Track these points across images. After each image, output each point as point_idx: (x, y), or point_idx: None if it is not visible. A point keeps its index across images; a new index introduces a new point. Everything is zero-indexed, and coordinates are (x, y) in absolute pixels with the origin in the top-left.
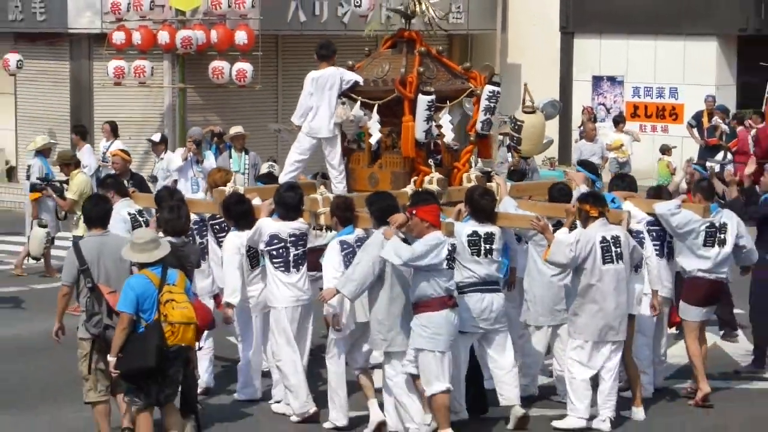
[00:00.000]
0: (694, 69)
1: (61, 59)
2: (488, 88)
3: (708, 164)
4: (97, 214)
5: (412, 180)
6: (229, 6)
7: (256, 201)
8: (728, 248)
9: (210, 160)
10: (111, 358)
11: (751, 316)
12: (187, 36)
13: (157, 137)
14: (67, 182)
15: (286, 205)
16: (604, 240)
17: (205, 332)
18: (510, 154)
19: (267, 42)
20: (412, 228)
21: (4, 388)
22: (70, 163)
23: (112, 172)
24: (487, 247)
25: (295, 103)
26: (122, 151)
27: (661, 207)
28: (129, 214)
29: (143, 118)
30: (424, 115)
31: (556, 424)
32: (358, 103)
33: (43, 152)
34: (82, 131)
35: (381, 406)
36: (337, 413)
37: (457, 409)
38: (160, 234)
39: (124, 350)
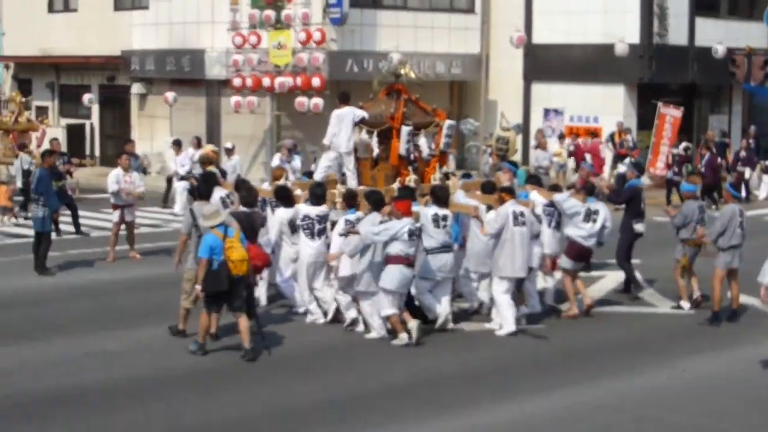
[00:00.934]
0: (609, 104)
1: (200, 96)
2: (447, 122)
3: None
4: (205, 191)
5: (398, 179)
6: (309, 62)
7: (298, 191)
8: (597, 226)
9: (296, 162)
10: (197, 286)
11: (617, 258)
12: (281, 81)
13: (230, 145)
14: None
15: (315, 195)
16: (514, 213)
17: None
18: (490, 157)
19: (332, 84)
20: (392, 214)
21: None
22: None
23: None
24: (444, 223)
25: None
26: (213, 151)
27: (558, 197)
28: (220, 197)
29: (252, 135)
30: (405, 138)
31: (497, 332)
32: (365, 130)
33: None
34: (178, 143)
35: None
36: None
37: (436, 314)
38: (241, 207)
39: (205, 280)
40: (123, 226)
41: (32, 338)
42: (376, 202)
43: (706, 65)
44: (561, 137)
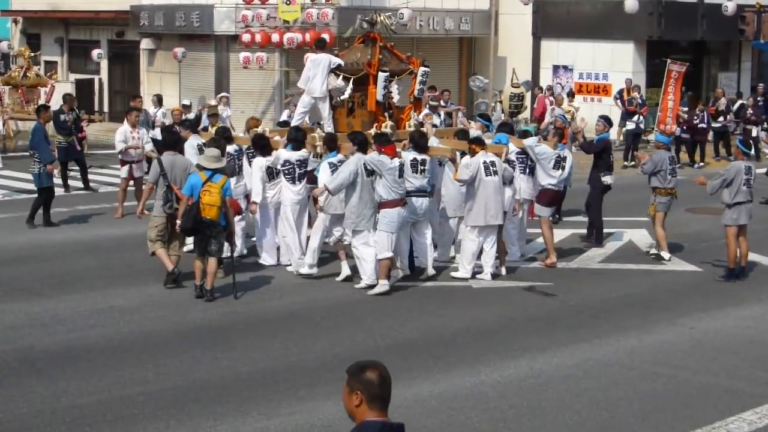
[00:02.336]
0: (618, 61)
1: (209, 51)
2: (421, 69)
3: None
4: (172, 142)
5: (374, 125)
6: (318, 18)
7: (276, 138)
8: (566, 173)
9: None
10: (178, 221)
11: (586, 207)
12: (290, 37)
13: (187, 102)
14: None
15: (295, 140)
16: (485, 162)
17: (238, 216)
18: (502, 113)
19: (341, 40)
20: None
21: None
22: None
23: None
24: (422, 168)
25: None
26: (182, 106)
27: (528, 141)
28: (197, 145)
29: (261, 89)
30: (381, 85)
31: (452, 274)
32: (341, 77)
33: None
34: (159, 98)
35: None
36: (308, 268)
37: (402, 265)
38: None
39: (182, 216)
40: (132, 182)
41: (41, 294)
42: (360, 143)
43: (716, 22)
44: (570, 94)
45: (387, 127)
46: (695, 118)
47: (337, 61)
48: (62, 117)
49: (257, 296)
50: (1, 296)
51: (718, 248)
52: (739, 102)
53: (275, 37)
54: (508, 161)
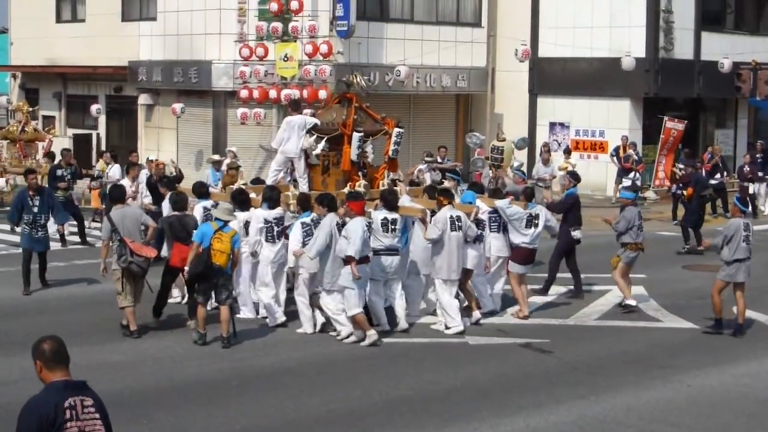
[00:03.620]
0: (614, 118)
1: (207, 107)
2: (396, 130)
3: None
4: (118, 196)
5: (348, 184)
6: (315, 74)
7: (252, 195)
8: (539, 229)
9: None
10: (186, 268)
11: (550, 260)
12: (288, 93)
13: (216, 157)
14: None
15: (270, 198)
16: (451, 218)
17: None
18: (490, 170)
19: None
20: (347, 214)
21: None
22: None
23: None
24: (392, 227)
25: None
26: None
27: (500, 203)
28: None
29: (258, 146)
30: (356, 144)
31: (446, 331)
32: (315, 136)
33: (214, 164)
34: (113, 154)
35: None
36: (307, 325)
37: (381, 322)
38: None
39: (191, 263)
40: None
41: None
42: (329, 204)
43: (712, 79)
44: (567, 151)
45: (361, 186)
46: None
47: (313, 121)
48: (59, 172)
49: (252, 352)
50: None
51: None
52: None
53: (273, 94)
54: (477, 221)
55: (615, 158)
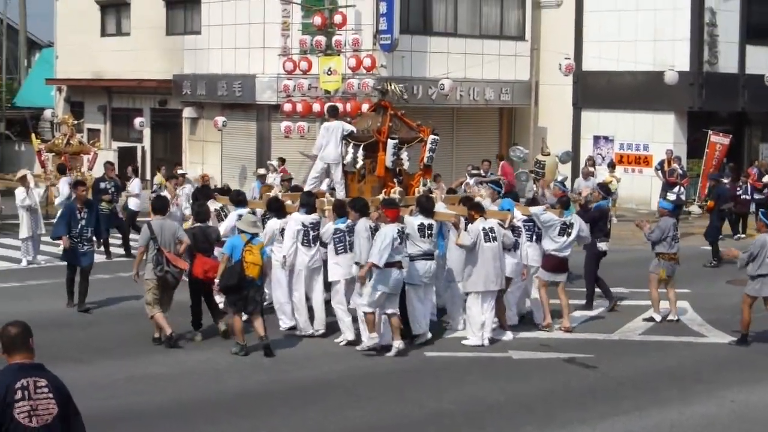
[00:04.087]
0: (658, 132)
1: (250, 120)
2: (431, 137)
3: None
4: (160, 207)
5: (383, 191)
6: (358, 87)
7: (288, 202)
8: (572, 238)
9: None
10: (217, 280)
11: (585, 275)
12: (331, 106)
13: (263, 171)
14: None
15: (307, 204)
16: (484, 229)
17: None
18: (534, 184)
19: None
20: (380, 219)
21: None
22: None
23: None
24: (429, 232)
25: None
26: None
27: (535, 209)
28: (215, 209)
29: (302, 159)
30: (391, 151)
31: (463, 342)
32: (352, 144)
33: (259, 178)
34: (134, 167)
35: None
36: (347, 332)
37: (422, 330)
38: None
39: (222, 275)
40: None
41: (78, 360)
42: (361, 209)
43: (757, 93)
44: (611, 165)
45: (396, 193)
46: (738, 189)
47: (350, 127)
48: (102, 185)
49: (294, 364)
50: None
51: (759, 321)
52: None
53: (316, 107)
54: (513, 228)
55: (659, 172)
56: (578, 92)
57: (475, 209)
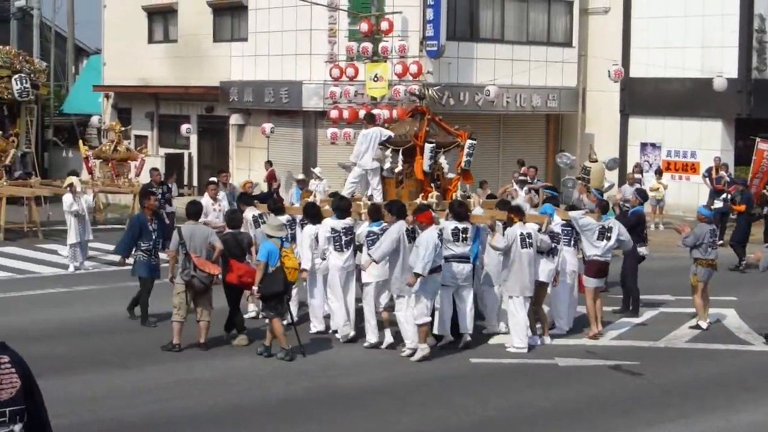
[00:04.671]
0: (706, 139)
1: (297, 127)
2: (469, 141)
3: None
4: (193, 212)
5: (420, 195)
6: (404, 94)
7: (326, 207)
8: (612, 242)
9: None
10: (254, 288)
11: (622, 280)
12: (378, 113)
13: (301, 176)
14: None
15: (339, 208)
16: (521, 234)
17: None
18: (578, 191)
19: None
20: (415, 224)
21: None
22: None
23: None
24: (463, 236)
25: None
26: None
27: (574, 214)
28: (253, 216)
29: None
30: (428, 155)
31: (508, 348)
32: (390, 149)
33: (298, 183)
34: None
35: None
36: (371, 335)
37: (445, 333)
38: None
39: (262, 282)
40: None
41: (125, 366)
42: (398, 211)
43: None
44: (658, 172)
45: (433, 197)
46: None
47: (388, 133)
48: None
49: (339, 370)
50: (85, 368)
51: None
52: None
53: (362, 114)
54: (551, 233)
55: (707, 179)
56: (625, 99)
57: (514, 212)
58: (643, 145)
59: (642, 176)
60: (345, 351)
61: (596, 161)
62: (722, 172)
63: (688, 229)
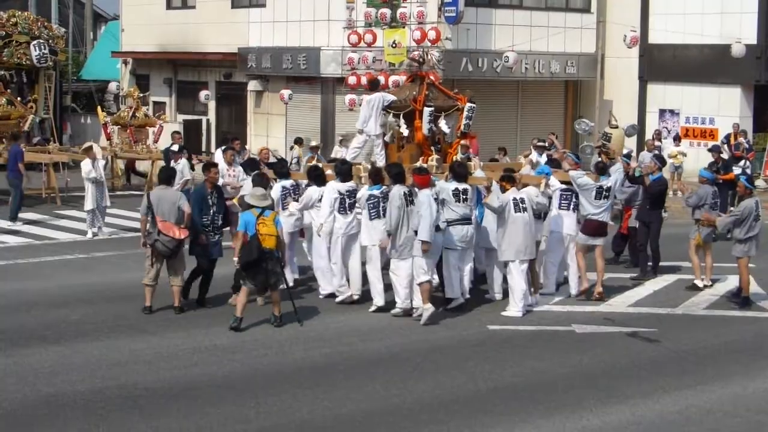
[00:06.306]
0: (725, 105)
1: (315, 93)
2: (468, 105)
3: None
4: (163, 177)
5: (420, 159)
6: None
7: (329, 172)
8: (610, 201)
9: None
10: (235, 258)
11: (651, 245)
12: (395, 79)
13: (314, 143)
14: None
15: (341, 173)
16: (515, 199)
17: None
18: (600, 156)
19: (447, 83)
20: (413, 184)
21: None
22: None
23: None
24: (464, 197)
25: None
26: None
27: (573, 173)
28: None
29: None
30: (427, 119)
31: (503, 313)
32: (392, 114)
33: (311, 149)
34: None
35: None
36: (377, 298)
37: (455, 295)
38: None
39: (240, 252)
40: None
41: (145, 331)
42: (397, 175)
43: None
44: (677, 138)
45: (433, 160)
46: None
47: (390, 98)
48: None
49: (358, 336)
50: (107, 333)
51: None
52: None
53: (381, 80)
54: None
55: (725, 146)
56: (644, 65)
57: (505, 180)
58: (662, 112)
59: (661, 143)
60: (364, 317)
61: (617, 127)
62: (741, 139)
63: (688, 190)
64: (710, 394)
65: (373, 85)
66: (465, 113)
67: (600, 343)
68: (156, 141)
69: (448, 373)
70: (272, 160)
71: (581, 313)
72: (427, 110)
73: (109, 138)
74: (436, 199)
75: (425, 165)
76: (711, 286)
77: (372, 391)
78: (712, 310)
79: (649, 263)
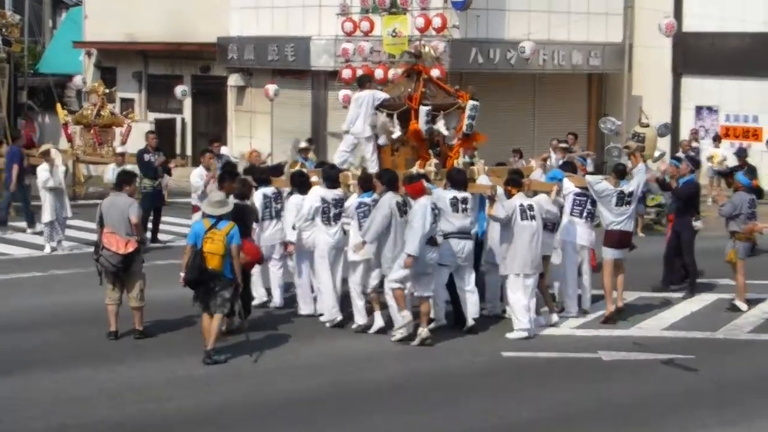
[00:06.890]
0: None
1: (305, 89)
2: (471, 103)
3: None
4: (118, 182)
5: (417, 163)
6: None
7: (314, 178)
8: (631, 207)
9: None
10: (181, 273)
11: (685, 257)
12: (396, 72)
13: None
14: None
15: (329, 178)
16: (522, 206)
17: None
18: (629, 159)
19: (454, 76)
20: (406, 194)
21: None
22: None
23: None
24: (463, 206)
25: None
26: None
27: (590, 178)
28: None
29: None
30: (424, 119)
31: (508, 335)
32: (385, 113)
33: (300, 152)
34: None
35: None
36: (359, 317)
37: (438, 316)
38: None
39: (185, 268)
40: None
41: (111, 360)
42: (389, 182)
43: None
44: (716, 139)
45: (431, 165)
46: None
47: (382, 96)
48: (146, 157)
49: (353, 365)
50: (65, 362)
51: None
52: None
53: (379, 73)
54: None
55: None
56: (678, 56)
57: (510, 184)
58: (698, 109)
59: (698, 143)
60: (358, 343)
61: (648, 126)
62: None
63: (724, 199)
64: (753, 429)
65: (362, 82)
66: (467, 112)
67: (630, 371)
68: (123, 143)
69: (458, 407)
70: (269, 163)
71: (608, 337)
72: (424, 109)
73: (70, 140)
74: (435, 209)
75: (422, 170)
76: (743, 310)
77: (373, 427)
78: (757, 334)
79: (679, 280)
